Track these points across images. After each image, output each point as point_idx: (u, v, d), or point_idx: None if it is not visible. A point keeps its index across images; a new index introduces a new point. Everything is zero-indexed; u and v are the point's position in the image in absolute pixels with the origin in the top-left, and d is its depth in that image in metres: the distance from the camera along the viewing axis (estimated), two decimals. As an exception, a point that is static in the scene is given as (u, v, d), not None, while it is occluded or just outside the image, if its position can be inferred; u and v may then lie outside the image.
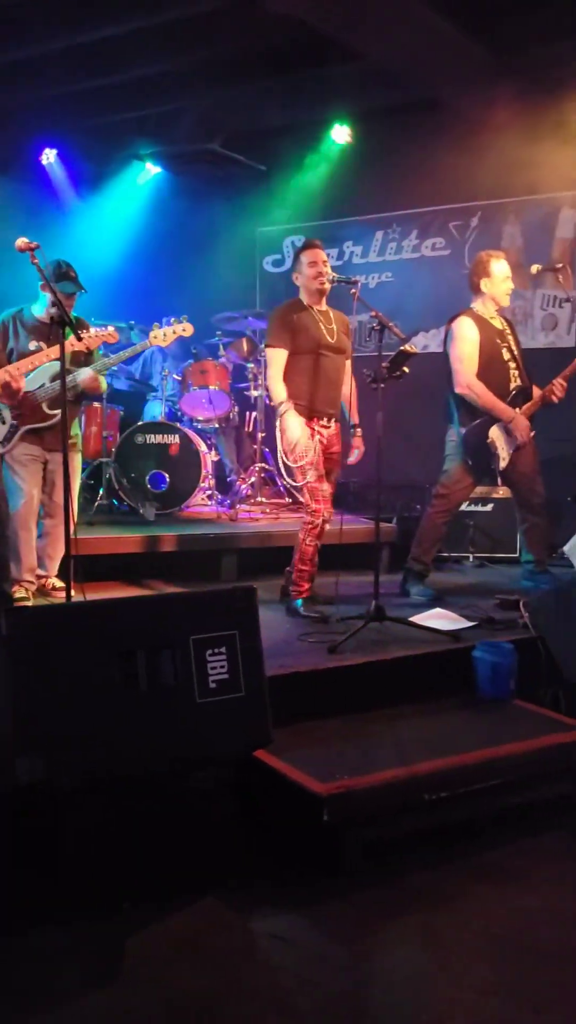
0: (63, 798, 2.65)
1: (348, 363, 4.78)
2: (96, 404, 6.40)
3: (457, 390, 5.01)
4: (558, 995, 2.32)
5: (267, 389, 5.01)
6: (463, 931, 2.61)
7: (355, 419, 4.87)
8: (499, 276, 5.02)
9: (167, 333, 4.85)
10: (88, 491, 6.31)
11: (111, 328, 4.83)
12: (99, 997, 2.32)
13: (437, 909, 2.73)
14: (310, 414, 4.58)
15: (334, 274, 4.60)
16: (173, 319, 4.95)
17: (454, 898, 2.79)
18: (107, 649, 2.68)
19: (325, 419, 4.63)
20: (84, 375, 4.62)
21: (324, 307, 4.71)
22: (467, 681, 3.90)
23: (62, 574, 4.55)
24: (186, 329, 4.90)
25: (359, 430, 4.84)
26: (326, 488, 4.58)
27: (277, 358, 4.61)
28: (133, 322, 7.24)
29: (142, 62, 6.69)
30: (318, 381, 4.58)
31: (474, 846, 3.09)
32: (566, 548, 6.16)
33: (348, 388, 4.74)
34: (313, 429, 4.58)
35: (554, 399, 5.04)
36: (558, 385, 5.03)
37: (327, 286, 4.61)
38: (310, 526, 4.59)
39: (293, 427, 4.49)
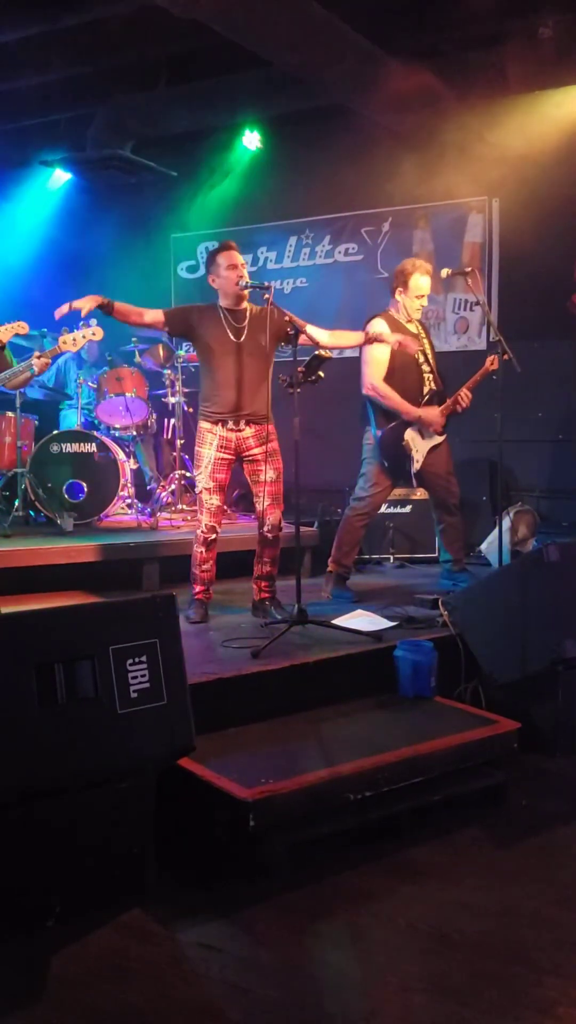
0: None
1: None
2: (9, 414, 6.28)
3: (363, 391, 5.07)
4: (481, 986, 2.36)
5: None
6: (388, 929, 2.63)
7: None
8: (414, 291, 5.08)
9: (77, 338, 4.81)
10: (3, 502, 6.18)
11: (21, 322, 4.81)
12: (22, 1019, 2.27)
13: (362, 909, 2.75)
14: (216, 418, 4.49)
15: (247, 279, 4.52)
16: (83, 323, 4.91)
17: (378, 897, 2.81)
18: (23, 662, 2.62)
19: (232, 423, 4.47)
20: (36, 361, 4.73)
21: (242, 307, 4.52)
22: (389, 680, 3.94)
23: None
24: (96, 333, 4.86)
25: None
26: (214, 501, 4.51)
27: (150, 315, 4.50)
28: (45, 330, 7.11)
29: (48, 67, 6.60)
30: (225, 384, 4.45)
31: (398, 843, 3.12)
32: (483, 547, 6.31)
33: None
34: (217, 435, 4.48)
35: (459, 409, 5.14)
36: (463, 395, 5.13)
37: (245, 291, 4.50)
38: (196, 533, 4.62)
39: (201, 436, 4.53)
